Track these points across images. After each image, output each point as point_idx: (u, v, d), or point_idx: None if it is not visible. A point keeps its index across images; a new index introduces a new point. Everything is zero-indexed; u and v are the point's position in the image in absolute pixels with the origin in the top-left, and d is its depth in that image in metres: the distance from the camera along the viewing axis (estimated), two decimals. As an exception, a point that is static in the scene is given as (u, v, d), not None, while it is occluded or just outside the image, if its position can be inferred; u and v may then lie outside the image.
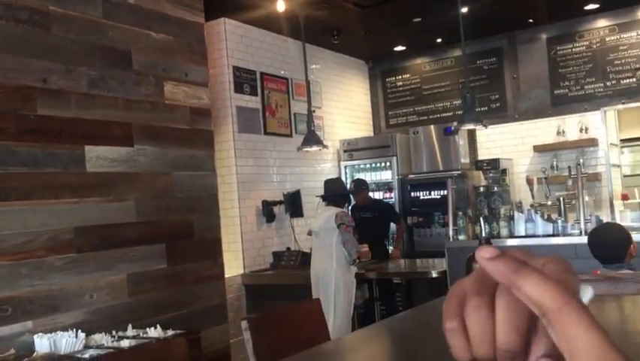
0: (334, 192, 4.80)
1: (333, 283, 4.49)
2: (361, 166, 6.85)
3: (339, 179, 5.19)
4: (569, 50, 6.40)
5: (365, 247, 5.23)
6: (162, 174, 3.46)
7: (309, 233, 4.96)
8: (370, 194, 6.76)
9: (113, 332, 2.95)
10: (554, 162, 6.28)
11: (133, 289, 3.22)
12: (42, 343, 2.64)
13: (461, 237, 4.79)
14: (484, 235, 4.54)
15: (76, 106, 3.03)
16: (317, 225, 4.72)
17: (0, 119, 2.71)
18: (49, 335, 2.69)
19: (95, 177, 3.08)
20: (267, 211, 5.71)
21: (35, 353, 2.59)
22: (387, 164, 6.70)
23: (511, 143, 6.64)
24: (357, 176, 6.57)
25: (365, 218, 5.84)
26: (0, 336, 2.63)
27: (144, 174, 3.35)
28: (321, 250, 4.64)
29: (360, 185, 5.93)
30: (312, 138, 5.31)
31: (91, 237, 3.03)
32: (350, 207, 6.37)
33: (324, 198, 4.85)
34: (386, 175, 6.72)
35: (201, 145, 3.75)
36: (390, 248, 6.30)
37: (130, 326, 3.04)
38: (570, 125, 6.34)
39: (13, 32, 2.80)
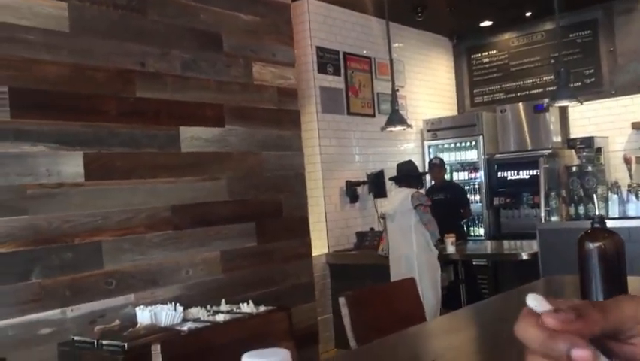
0: (407, 173, 4.70)
1: (416, 266, 4.43)
2: (445, 146, 6.71)
3: (411, 161, 5.05)
4: (673, 20, 5.97)
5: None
6: (252, 154, 3.53)
7: (382, 216, 4.91)
8: (455, 175, 6.69)
9: (208, 307, 3.06)
10: (655, 140, 5.91)
11: (226, 266, 3.32)
12: (144, 315, 2.77)
13: (554, 218, 4.61)
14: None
15: (172, 88, 3.13)
16: (391, 207, 4.65)
17: (103, 101, 2.85)
18: (150, 307, 2.82)
19: (189, 157, 3.18)
20: (351, 192, 5.72)
21: (139, 325, 2.73)
22: (473, 143, 6.53)
23: (606, 120, 6.30)
24: (440, 156, 6.45)
25: (438, 200, 5.76)
26: (106, 308, 2.79)
27: (235, 153, 3.43)
28: (399, 234, 4.57)
29: (436, 164, 5.85)
30: (396, 118, 5.24)
31: (186, 215, 3.14)
32: (429, 187, 6.32)
33: (396, 179, 4.78)
34: (471, 155, 6.55)
35: (289, 125, 3.79)
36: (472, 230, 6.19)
37: (223, 301, 3.14)
38: (673, 100, 5.93)
39: (113, 17, 2.92)
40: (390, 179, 4.93)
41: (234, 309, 3.04)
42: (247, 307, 3.02)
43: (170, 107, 3.11)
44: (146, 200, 2.98)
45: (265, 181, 3.60)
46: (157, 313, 2.76)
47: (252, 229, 3.49)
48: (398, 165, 4.91)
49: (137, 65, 2.99)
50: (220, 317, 2.84)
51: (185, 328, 2.67)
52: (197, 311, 2.95)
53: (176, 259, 3.09)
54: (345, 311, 1.83)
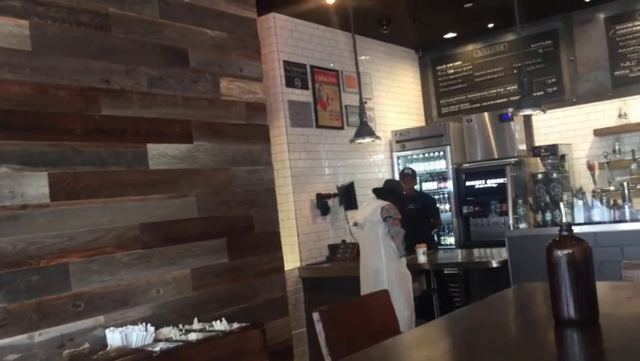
0: (390, 189, 4.78)
1: (385, 276, 4.43)
2: (414, 156, 6.77)
3: (398, 181, 5.20)
4: (630, 29, 6.15)
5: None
6: (221, 170, 3.51)
7: (355, 224, 4.94)
8: (424, 185, 6.75)
9: (180, 326, 3.02)
10: (616, 146, 6.05)
11: (197, 284, 3.28)
12: (114, 337, 2.72)
13: (522, 225, 4.66)
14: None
15: (138, 105, 3.10)
16: (362, 217, 4.68)
17: (67, 120, 2.79)
18: (120, 328, 2.77)
19: (158, 174, 3.15)
20: (322, 204, 5.72)
21: (109, 347, 2.67)
22: (441, 153, 6.60)
23: (569, 128, 6.45)
24: (409, 166, 6.50)
25: (409, 210, 5.83)
26: (74, 331, 2.72)
27: (204, 169, 3.40)
28: (367, 244, 4.60)
29: (408, 174, 5.94)
30: (364, 130, 5.27)
31: (156, 233, 3.10)
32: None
33: (378, 191, 4.83)
34: (440, 165, 6.63)
35: (258, 140, 3.78)
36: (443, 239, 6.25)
37: (196, 319, 3.10)
38: (632, 107, 6.09)
39: (76, 35, 2.88)
40: (374, 190, 4.97)
41: (207, 327, 3.00)
42: (220, 325, 2.99)
43: (136, 124, 3.08)
44: (114, 219, 2.93)
45: (235, 197, 3.58)
46: (128, 335, 2.71)
47: (222, 245, 3.46)
48: (385, 181, 5.07)
49: (102, 82, 2.95)
50: (193, 336, 2.80)
51: (157, 348, 2.62)
52: (169, 331, 2.90)
53: (146, 278, 3.04)
54: (319, 327, 1.82)
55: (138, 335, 2.70)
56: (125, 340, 2.70)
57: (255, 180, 3.73)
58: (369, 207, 4.64)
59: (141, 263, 3.02)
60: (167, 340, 2.78)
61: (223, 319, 3.04)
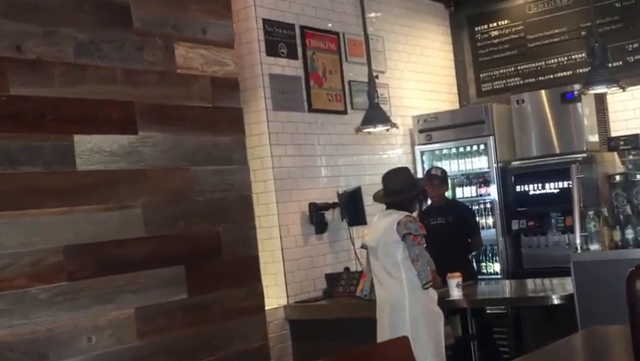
0: (399, 190, 4.73)
1: (408, 316, 4.44)
2: (444, 152, 6.79)
3: (403, 169, 5.12)
4: None
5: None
6: (177, 170, 3.50)
7: (363, 247, 4.94)
8: (457, 190, 6.77)
9: (120, 388, 3.01)
10: None
11: (143, 329, 3.26)
12: (28, 404, 2.70)
13: (593, 246, 4.68)
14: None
15: (61, 82, 3.08)
16: (373, 237, 4.68)
17: (-39, 102, 2.78)
18: (36, 392, 2.75)
19: (89, 177, 3.13)
20: (317, 218, 5.73)
21: (21, 418, 2.65)
22: (481, 147, 6.63)
23: (658, 111, 6.48)
24: (438, 165, 6.51)
25: (437, 225, 5.83)
26: (-28, 395, 2.71)
27: (153, 170, 3.39)
28: (384, 274, 4.62)
29: (436, 176, 5.94)
30: (376, 115, 5.29)
31: (86, 259, 3.08)
32: (424, 208, 6.37)
33: (383, 200, 4.81)
34: (480, 163, 6.66)
35: (227, 129, 3.77)
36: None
37: (142, 379, 3.09)
38: None
39: (-25, -15, 2.87)
40: (375, 199, 4.95)
41: (157, 390, 3.00)
42: (175, 387, 2.98)
43: (59, 107, 3.06)
44: (27, 240, 2.91)
45: (196, 208, 3.56)
46: (47, 401, 2.70)
47: (179, 276, 3.44)
48: (385, 178, 4.92)
49: (11, 49, 2.94)
50: (137, 402, 2.79)
51: (87, 420, 2.61)
52: (104, 395, 2.89)
53: (73, 321, 3.02)
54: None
55: (61, 401, 2.69)
56: (44, 408, 2.68)
57: (224, 184, 3.71)
58: (382, 222, 4.64)
59: (65, 301, 3.00)
60: (102, 407, 2.77)
61: (180, 378, 3.03)
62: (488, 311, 5.67)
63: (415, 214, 4.90)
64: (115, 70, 3.30)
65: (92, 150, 3.16)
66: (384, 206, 4.94)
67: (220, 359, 3.55)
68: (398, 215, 4.56)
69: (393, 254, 4.53)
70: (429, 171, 6.22)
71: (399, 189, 4.71)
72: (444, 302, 4.87)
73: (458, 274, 5.15)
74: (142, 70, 3.40)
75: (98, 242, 3.14)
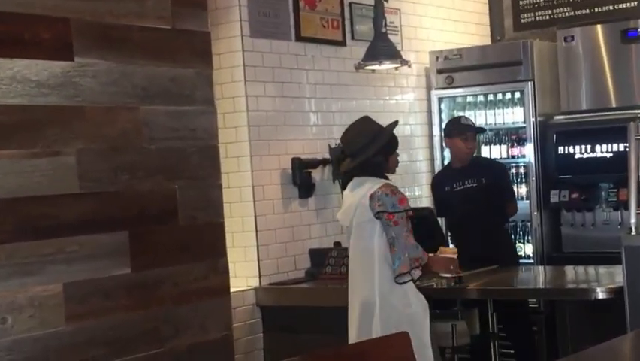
0: (356, 150, 4.65)
1: (378, 321, 4.45)
2: (468, 100, 6.81)
3: (359, 121, 4.89)
4: None
5: (448, 251, 5.15)
6: (123, 110, 3.49)
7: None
8: (484, 149, 6.78)
9: (41, 384, 3.03)
10: None
11: (74, 311, 3.27)
12: None
13: (652, 227, 4.73)
14: None
15: (-25, -12, 3.06)
16: (345, 214, 4.72)
17: None
18: None
19: (9, 113, 3.12)
20: (301, 178, 5.73)
21: None
22: (517, 96, 6.65)
23: None
24: (459, 115, 6.52)
25: (469, 189, 5.88)
26: None
27: (92, 108, 3.38)
28: (353, 260, 4.67)
29: (455, 128, 5.96)
30: (383, 48, 5.27)
31: (2, 218, 3.08)
32: (439, 172, 6.41)
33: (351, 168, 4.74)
34: (514, 116, 6.70)
35: (190, 59, 3.76)
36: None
37: (69, 373, 3.11)
38: None
39: None
40: (342, 172, 4.93)
41: (88, 388, 3.02)
42: (111, 385, 3.00)
43: (-29, 23, 3.04)
44: None
45: (146, 159, 3.56)
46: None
47: (121, 245, 3.45)
48: (342, 138, 4.89)
49: None
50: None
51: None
52: (19, 392, 2.91)
53: (-18, 298, 3.04)
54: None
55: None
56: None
57: (184, 130, 3.71)
58: (354, 194, 4.63)
59: (-26, 271, 3.02)
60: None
61: (117, 374, 3.06)
62: (516, 305, 5.68)
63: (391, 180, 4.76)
64: (46, -24, 3.26)
65: (14, 78, 3.15)
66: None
67: (169, 353, 3.57)
68: (372, 184, 4.52)
69: (367, 237, 4.53)
70: (458, 119, 6.15)
71: (361, 147, 4.62)
72: (457, 292, 4.91)
73: (454, 249, 5.14)
74: (81, -23, 3.37)
75: (19, 197, 3.14)
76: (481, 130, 6.12)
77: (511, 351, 5.49)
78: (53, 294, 3.23)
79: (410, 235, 4.50)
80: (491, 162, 6.43)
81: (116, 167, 3.46)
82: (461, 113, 6.57)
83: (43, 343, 3.19)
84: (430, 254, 4.72)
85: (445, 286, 5.13)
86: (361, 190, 4.55)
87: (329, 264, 5.65)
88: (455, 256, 4.99)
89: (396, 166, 4.86)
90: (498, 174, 6.12)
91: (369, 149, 4.58)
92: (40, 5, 3.24)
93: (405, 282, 4.46)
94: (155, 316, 3.55)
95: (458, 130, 5.97)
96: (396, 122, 4.93)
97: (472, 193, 5.83)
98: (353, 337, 4.54)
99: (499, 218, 6.05)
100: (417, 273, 4.53)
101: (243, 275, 5.40)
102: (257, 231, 5.50)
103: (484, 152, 6.75)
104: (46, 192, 3.23)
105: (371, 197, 4.45)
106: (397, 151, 4.83)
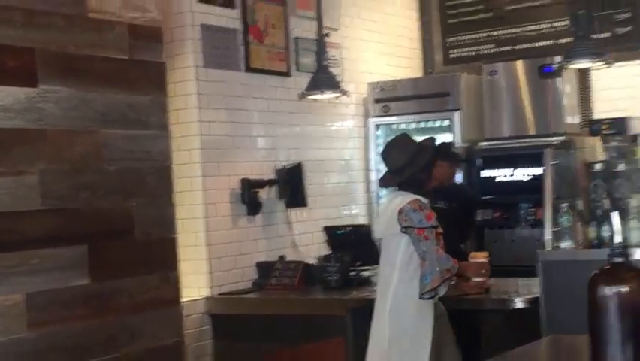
0: (401, 165, 4.48)
1: (388, 333, 4.34)
2: (402, 126, 6.84)
3: (402, 137, 4.85)
4: None
5: (479, 256, 5.10)
6: (83, 133, 3.47)
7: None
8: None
9: (2, 388, 2.99)
10: None
11: (35, 319, 3.24)
12: None
13: (564, 244, 4.78)
14: (617, 240, 4.42)
15: (-54, 20, 3.03)
16: (378, 226, 4.68)
17: None
18: None
19: (-24, 136, 3.09)
20: (249, 197, 5.72)
21: None
22: (445, 123, 6.70)
23: (648, 93, 6.62)
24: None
25: (438, 209, 5.83)
26: None
27: (54, 132, 3.35)
28: (380, 273, 4.58)
29: (456, 155, 5.92)
30: (324, 80, 5.29)
31: (-32, 233, 3.05)
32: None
33: (392, 181, 4.64)
34: (442, 140, 6.70)
35: (146, 86, 3.75)
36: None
37: (29, 378, 3.07)
38: None
39: None
40: (382, 184, 4.94)
41: (48, 391, 2.98)
42: (69, 388, 2.97)
43: (-58, 51, 3.01)
44: None
45: (105, 179, 3.54)
46: None
47: (81, 258, 3.42)
48: (385, 153, 4.71)
49: None
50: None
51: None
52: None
53: (-52, 306, 2.99)
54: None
55: None
56: None
57: (140, 152, 3.70)
58: (388, 208, 4.57)
59: (-59, 281, 2.98)
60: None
61: (75, 378, 3.03)
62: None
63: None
64: (14, 11, 3.25)
65: (-19, 104, 3.12)
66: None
67: (125, 358, 3.55)
68: (403, 199, 4.38)
69: (392, 250, 4.41)
70: (448, 145, 6.02)
71: (405, 163, 4.46)
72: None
73: (485, 253, 5.12)
74: (46, 11, 3.36)
75: (-16, 213, 3.10)
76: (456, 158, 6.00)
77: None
78: (15, 303, 3.20)
79: (440, 249, 4.33)
80: (460, 187, 6.31)
81: (77, 186, 3.43)
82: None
83: (6, 349, 3.15)
84: (463, 262, 4.68)
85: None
86: (392, 205, 4.44)
87: (274, 276, 5.64)
88: (487, 260, 5.02)
89: (448, 176, 4.99)
90: (465, 199, 6.11)
91: (413, 165, 4.44)
92: (7, 36, 3.22)
93: (430, 298, 4.29)
94: (111, 324, 3.53)
95: (449, 157, 5.75)
96: (432, 138, 4.85)
97: (442, 214, 5.76)
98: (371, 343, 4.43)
99: (461, 239, 6.02)
100: (443, 289, 4.37)
101: (195, 286, 5.37)
102: (208, 245, 5.49)
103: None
104: (10, 208, 3.19)
105: (400, 211, 4.31)
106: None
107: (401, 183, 4.51)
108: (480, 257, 5.08)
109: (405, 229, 4.31)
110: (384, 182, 4.89)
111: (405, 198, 4.37)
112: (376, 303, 4.53)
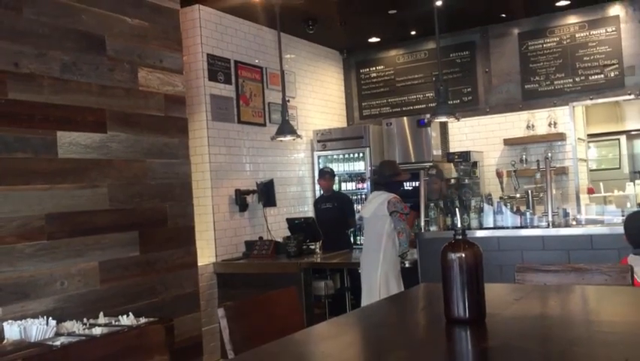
0: (387, 174, 4.65)
1: (378, 275, 4.37)
2: (334, 157, 6.87)
3: (392, 162, 5.01)
4: (540, 46, 6.51)
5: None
6: (135, 161, 3.45)
7: (360, 219, 4.90)
8: (343, 185, 6.87)
9: (85, 320, 2.94)
10: (523, 156, 6.40)
11: (105, 277, 3.21)
12: (12, 330, 2.61)
13: (432, 228, 4.85)
14: (459, 225, 4.52)
15: (49, 91, 2.99)
16: (368, 211, 4.59)
17: (-31, 102, 2.66)
18: (19, 322, 2.67)
19: (67, 163, 3.05)
20: (240, 200, 5.71)
21: (5, 341, 2.56)
22: (360, 155, 6.74)
23: (482, 136, 6.75)
24: (330, 166, 6.58)
25: (326, 209, 5.96)
26: (-32, 323, 2.60)
27: (117, 160, 3.33)
28: (370, 238, 4.54)
29: (328, 172, 6.07)
30: (286, 128, 5.30)
31: (62, 224, 3.00)
32: (317, 197, 6.45)
33: (376, 183, 4.71)
34: (359, 166, 6.76)
35: (175, 132, 3.74)
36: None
37: (102, 313, 3.03)
38: (539, 120, 6.46)
39: (-16, 14, 2.74)
40: (375, 182, 4.84)
41: (113, 322, 2.95)
42: (127, 320, 2.94)
43: (46, 110, 2.97)
44: (17, 208, 2.82)
45: (149, 189, 3.52)
46: (27, 328, 2.62)
47: (134, 239, 3.39)
48: (379, 166, 4.87)
49: (10, 65, 2.83)
50: (97, 331, 2.74)
51: (57, 342, 2.54)
52: (71, 325, 2.82)
53: (50, 270, 2.94)
54: (223, 323, 1.83)
55: (38, 329, 2.62)
56: (24, 333, 2.60)
57: (171, 173, 3.68)
58: (376, 200, 4.56)
59: (45, 255, 2.92)
60: (70, 334, 2.70)
61: (130, 313, 2.99)
62: (359, 271, 5.74)
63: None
64: (91, 85, 3.22)
65: (71, 143, 3.09)
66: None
67: (161, 301, 3.53)
68: (388, 196, 4.47)
69: (381, 226, 4.41)
70: (322, 169, 6.28)
71: (389, 175, 4.66)
72: (327, 265, 4.97)
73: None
74: (112, 86, 3.34)
75: (73, 212, 3.07)
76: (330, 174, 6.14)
77: (353, 297, 5.52)
78: (93, 267, 3.17)
79: (408, 226, 4.51)
80: (342, 194, 6.37)
81: (131, 194, 3.41)
82: (329, 165, 6.62)
83: (87, 297, 3.12)
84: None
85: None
86: (381, 198, 4.47)
87: (256, 249, 5.61)
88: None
89: (398, 190, 4.75)
90: (344, 202, 6.12)
91: (395, 177, 4.65)
92: (88, 101, 3.20)
93: (406, 252, 4.49)
94: (153, 280, 3.51)
95: (320, 174, 6.14)
96: (407, 175, 4.95)
97: (328, 211, 5.93)
98: (368, 290, 4.45)
99: (343, 226, 6.06)
100: (410, 251, 4.59)
101: (207, 256, 5.35)
102: (215, 230, 5.46)
103: (343, 186, 6.81)
104: (89, 208, 3.17)
105: (388, 202, 4.40)
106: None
107: (385, 185, 4.62)
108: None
109: (391, 213, 4.40)
110: (375, 186, 4.89)
111: (389, 195, 4.47)
112: (366, 257, 4.53)
